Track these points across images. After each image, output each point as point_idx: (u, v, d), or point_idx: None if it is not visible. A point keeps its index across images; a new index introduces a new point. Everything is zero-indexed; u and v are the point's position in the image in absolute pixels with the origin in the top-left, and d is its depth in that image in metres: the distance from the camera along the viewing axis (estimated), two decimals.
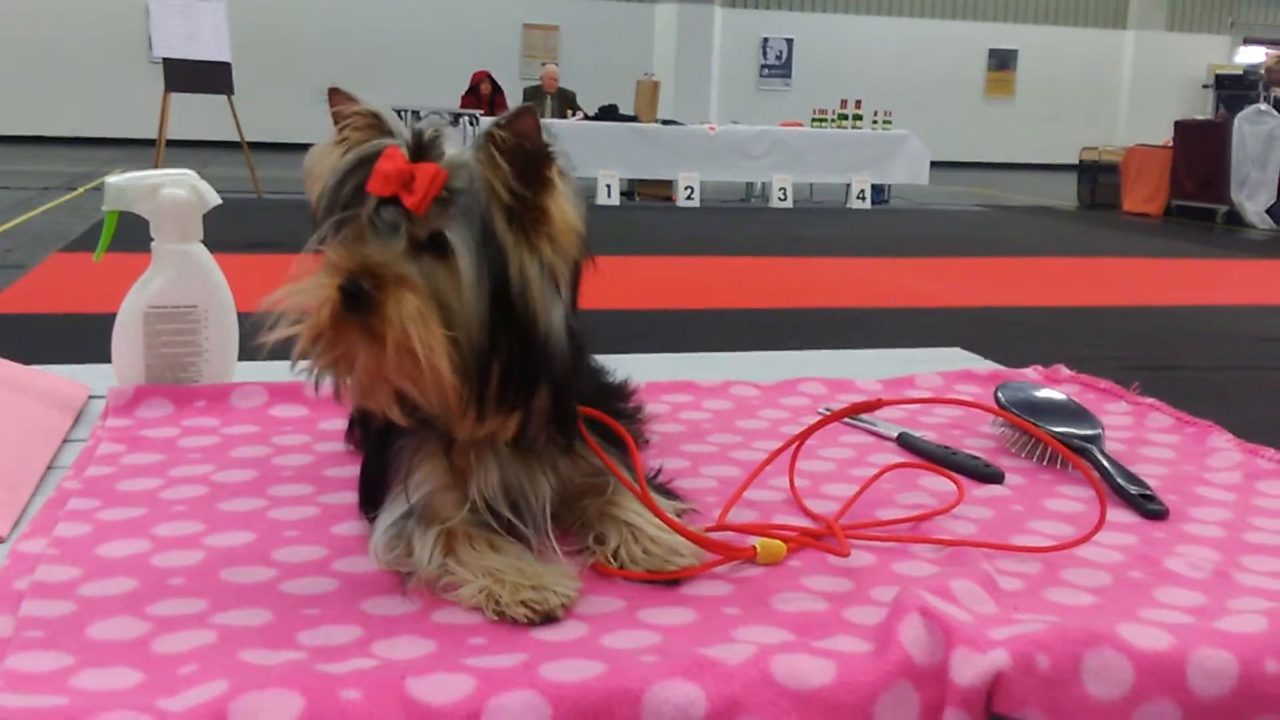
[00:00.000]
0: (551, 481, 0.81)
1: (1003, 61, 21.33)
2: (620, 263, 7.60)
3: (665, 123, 12.72)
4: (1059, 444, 0.89)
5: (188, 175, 1.17)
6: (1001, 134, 21.19)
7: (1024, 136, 21.19)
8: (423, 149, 0.75)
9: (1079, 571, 0.78)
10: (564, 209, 0.75)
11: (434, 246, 0.74)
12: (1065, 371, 1.31)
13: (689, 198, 11.98)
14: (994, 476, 0.96)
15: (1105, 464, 0.94)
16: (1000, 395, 1.07)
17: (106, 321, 1.19)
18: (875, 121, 13.16)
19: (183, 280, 1.16)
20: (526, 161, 0.74)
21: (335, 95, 0.81)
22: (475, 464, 0.79)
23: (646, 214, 11.06)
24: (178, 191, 1.15)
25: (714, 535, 0.81)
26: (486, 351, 0.73)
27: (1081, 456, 0.96)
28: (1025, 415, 1.01)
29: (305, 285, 0.74)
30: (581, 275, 0.78)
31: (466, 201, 0.73)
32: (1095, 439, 0.99)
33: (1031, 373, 1.30)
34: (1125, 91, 21.69)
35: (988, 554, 0.79)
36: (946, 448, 1.02)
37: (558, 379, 0.77)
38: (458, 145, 0.77)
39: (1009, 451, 1.04)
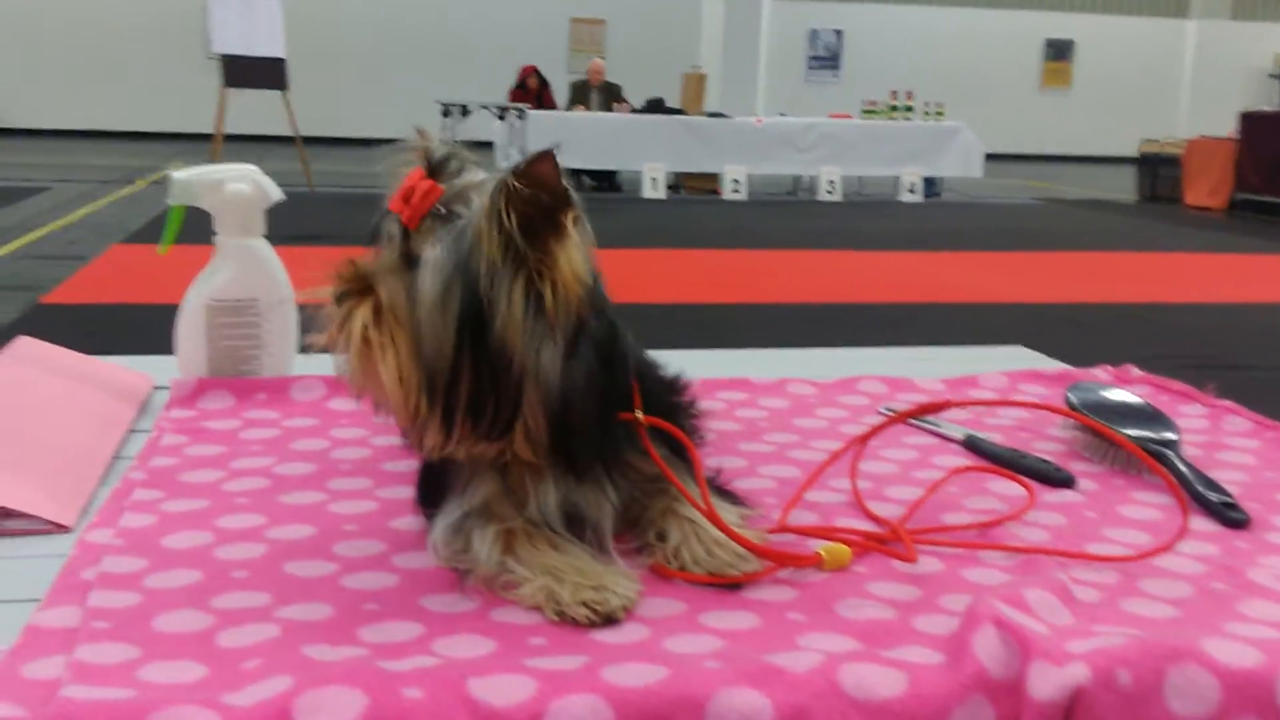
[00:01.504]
0: (612, 499, 0.79)
1: (1059, 51, 21.00)
2: (666, 256, 7.59)
3: (712, 115, 12.66)
4: (1137, 448, 0.86)
5: (251, 171, 1.17)
6: (1058, 126, 20.87)
7: (1081, 128, 20.86)
8: (434, 169, 0.77)
9: (1158, 582, 0.75)
10: (572, 258, 0.73)
11: (419, 263, 0.75)
12: (1136, 372, 1.27)
13: (735, 191, 11.93)
14: (1065, 481, 0.94)
15: (1183, 469, 0.92)
16: (1071, 397, 1.04)
17: (165, 312, 1.20)
18: (927, 113, 13.02)
19: (244, 274, 1.17)
20: (540, 206, 0.72)
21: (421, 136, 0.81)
22: (531, 485, 0.78)
23: (692, 207, 11.03)
24: (241, 187, 1.15)
25: (775, 539, 0.79)
26: (447, 373, 0.73)
27: (1158, 461, 0.94)
28: (1098, 418, 0.99)
29: (323, 290, 0.78)
30: (583, 326, 0.75)
31: (461, 226, 0.74)
32: (1172, 443, 0.96)
33: (1101, 373, 1.27)
34: (1187, 82, 21.28)
35: (1061, 562, 0.77)
36: (1015, 450, 1.00)
37: (554, 411, 0.74)
38: (480, 173, 0.79)
39: (1080, 455, 1.02)
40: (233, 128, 11.39)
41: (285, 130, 10.16)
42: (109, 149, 14.87)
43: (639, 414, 0.79)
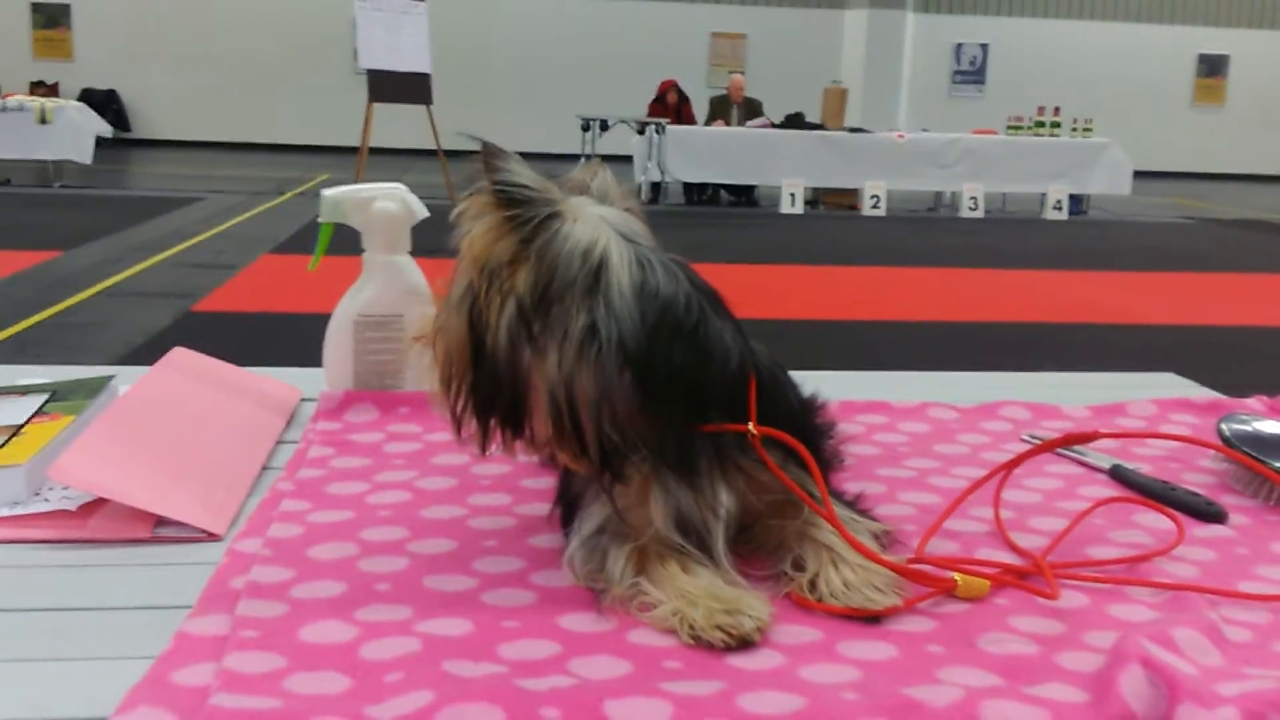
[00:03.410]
0: (726, 503, 0.79)
1: (1213, 67, 20.20)
2: (803, 272, 7.54)
3: (852, 130, 12.54)
4: None
5: (398, 189, 1.21)
6: (1210, 143, 20.06)
7: (1235, 146, 20.00)
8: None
9: None
10: (476, 242, 0.76)
11: None
12: None
13: (875, 207, 11.78)
14: (1217, 516, 0.90)
15: None
16: (1224, 428, 1.00)
17: (310, 321, 1.24)
18: (1074, 129, 12.66)
19: (390, 290, 1.20)
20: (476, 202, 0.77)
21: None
22: (643, 496, 0.79)
23: (830, 223, 10.93)
24: (389, 205, 1.19)
25: (913, 567, 0.78)
26: (461, 371, 0.79)
27: None
28: (1252, 451, 0.94)
29: None
30: (593, 329, 0.75)
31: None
32: None
33: (1255, 403, 1.22)
34: None
35: (1212, 600, 0.74)
36: (1164, 482, 0.96)
37: (556, 415, 0.75)
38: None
39: (1232, 489, 0.97)
40: (379, 141, 11.75)
41: (430, 144, 10.44)
42: (259, 161, 15.50)
43: (751, 425, 0.79)
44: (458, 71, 17.33)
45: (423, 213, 1.21)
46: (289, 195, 11.34)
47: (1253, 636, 0.70)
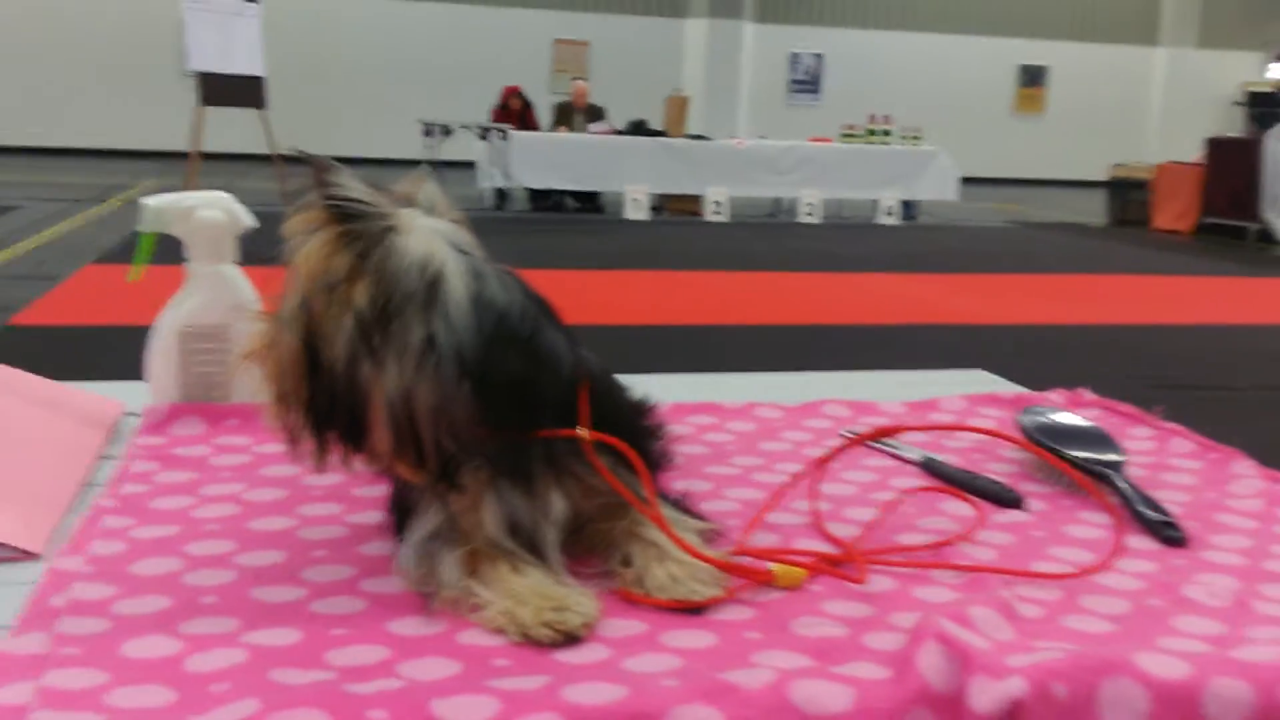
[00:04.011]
0: (562, 510, 0.82)
1: (1033, 78, 21.26)
2: (647, 277, 7.62)
3: (694, 137, 12.76)
4: (1075, 471, 0.89)
5: (222, 197, 1.19)
6: (1031, 150, 21.11)
7: (1054, 153, 21.11)
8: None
9: (1098, 599, 0.78)
10: (311, 258, 0.77)
11: None
12: (1089, 395, 1.31)
13: (717, 212, 12.00)
14: (1015, 502, 0.97)
15: (1126, 490, 0.95)
16: (1023, 420, 1.07)
17: (136, 334, 1.22)
18: (904, 137, 13.16)
19: (216, 300, 1.18)
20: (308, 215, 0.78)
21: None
22: (476, 501, 0.80)
23: (674, 229, 11.07)
24: (213, 213, 1.17)
25: (734, 560, 0.82)
26: (295, 386, 0.79)
27: (1103, 483, 0.97)
28: (1048, 440, 1.02)
29: None
30: (431, 342, 0.76)
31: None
32: (1117, 465, 0.99)
33: (1055, 396, 1.30)
34: (1156, 108, 21.59)
35: (1007, 580, 0.80)
36: (968, 472, 1.02)
37: (398, 427, 0.76)
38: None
39: (1032, 476, 1.05)
40: (212, 146, 11.38)
41: (265, 149, 10.17)
42: (83, 167, 14.81)
43: (580, 430, 0.81)
44: (294, 74, 16.89)
45: (248, 221, 1.20)
46: (114, 202, 10.88)
47: (1043, 612, 0.76)
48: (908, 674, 0.64)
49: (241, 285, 1.20)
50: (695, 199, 12.32)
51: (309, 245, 0.77)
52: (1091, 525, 0.93)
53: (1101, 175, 14.99)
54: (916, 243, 10.61)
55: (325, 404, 0.78)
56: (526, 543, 0.80)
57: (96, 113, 17.22)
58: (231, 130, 12.87)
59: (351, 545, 0.87)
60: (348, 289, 0.75)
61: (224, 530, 0.89)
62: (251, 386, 0.82)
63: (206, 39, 9.93)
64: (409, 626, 0.73)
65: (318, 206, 0.77)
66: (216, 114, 10.23)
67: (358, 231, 0.76)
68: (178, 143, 12.78)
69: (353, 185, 0.77)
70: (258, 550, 0.85)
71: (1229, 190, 11.94)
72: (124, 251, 7.61)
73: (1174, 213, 12.75)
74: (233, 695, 0.63)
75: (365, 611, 0.76)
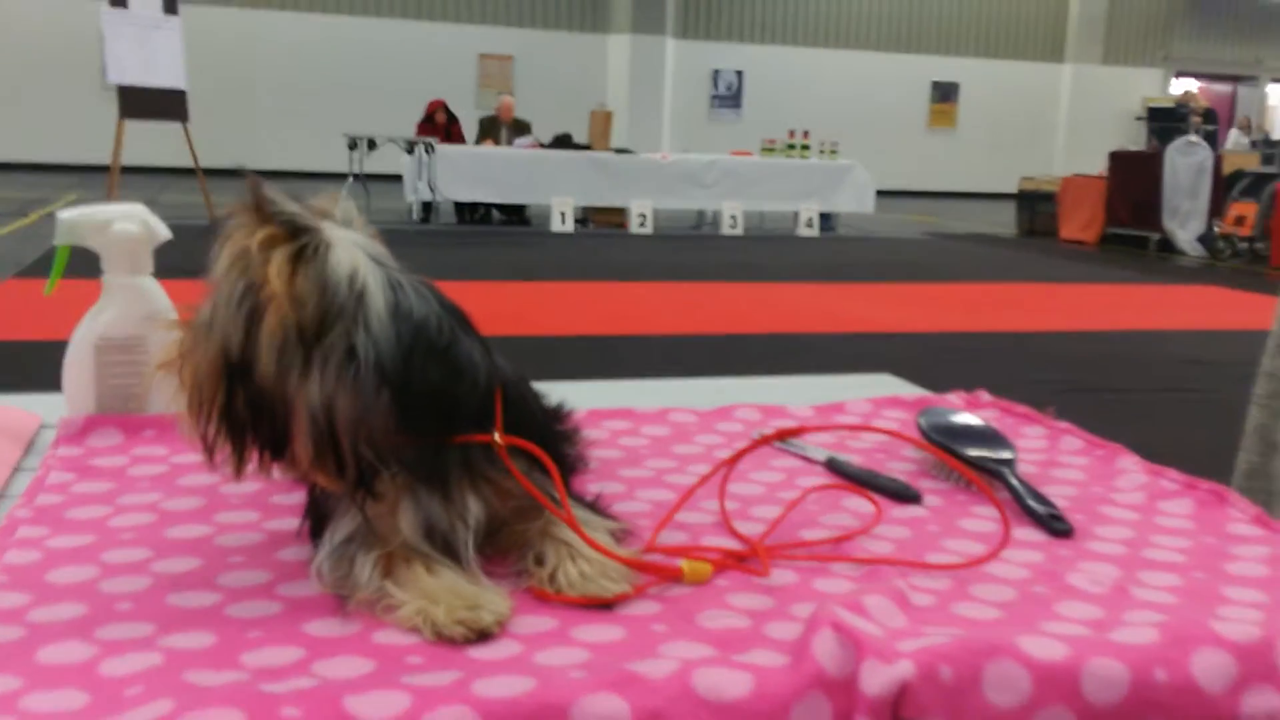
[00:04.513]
0: (475, 512, 0.84)
1: (945, 94, 21.74)
2: (572, 289, 7.65)
3: (618, 151, 12.83)
4: (965, 467, 0.94)
5: (138, 210, 1.19)
6: (944, 164, 21.58)
7: (965, 166, 21.61)
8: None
9: (987, 587, 0.82)
10: (274, 277, 0.77)
11: None
12: (986, 397, 1.36)
13: (642, 225, 12.08)
14: (913, 498, 1.01)
15: (1016, 485, 0.99)
16: (921, 421, 1.12)
17: (57, 349, 1.21)
18: (822, 151, 13.38)
19: (132, 313, 1.19)
20: (256, 235, 0.78)
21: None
22: (393, 506, 0.82)
23: (599, 241, 11.13)
24: (128, 226, 1.17)
25: (645, 557, 0.84)
26: (214, 398, 0.79)
27: (995, 479, 1.02)
28: (944, 440, 1.06)
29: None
30: (351, 351, 0.77)
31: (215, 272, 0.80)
32: (1009, 462, 1.04)
33: (954, 398, 1.36)
34: (1062, 123, 22.21)
35: (902, 571, 0.84)
36: (870, 471, 1.07)
37: (320, 436, 0.77)
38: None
39: (930, 474, 1.09)
40: (133, 160, 11.19)
41: (188, 163, 10.01)
42: (3, 181, 14.43)
43: (496, 435, 0.84)
44: (218, 87, 16.66)
45: (164, 234, 1.20)
46: (34, 217, 10.62)
47: (934, 600, 0.80)
48: (803, 660, 0.67)
49: (158, 297, 1.20)
50: (620, 211, 12.40)
51: (247, 260, 0.77)
52: (983, 519, 0.97)
53: (1011, 188, 15.38)
54: (834, 254, 10.79)
55: (249, 415, 0.79)
56: (442, 545, 0.82)
57: (17, 126, 16.82)
58: (153, 143, 12.66)
59: (268, 551, 0.88)
60: (285, 302, 0.76)
61: (140, 538, 0.90)
62: (167, 397, 0.83)
63: (126, 52, 9.75)
64: (324, 628, 0.75)
65: (255, 220, 0.78)
66: (138, 127, 10.06)
67: (299, 245, 0.77)
68: (100, 156, 12.51)
69: (285, 200, 0.78)
70: (174, 557, 0.86)
71: (1131, 202, 12.34)
72: (44, 266, 7.44)
73: (1080, 223, 13.13)
74: (146, 697, 0.64)
75: (281, 614, 0.77)
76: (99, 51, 10.41)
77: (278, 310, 0.76)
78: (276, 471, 0.81)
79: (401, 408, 0.78)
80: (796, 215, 12.81)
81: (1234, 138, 18.47)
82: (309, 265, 0.77)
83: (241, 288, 0.77)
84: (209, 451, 0.81)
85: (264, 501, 0.99)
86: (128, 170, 10.50)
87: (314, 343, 0.76)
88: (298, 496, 0.96)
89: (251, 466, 0.81)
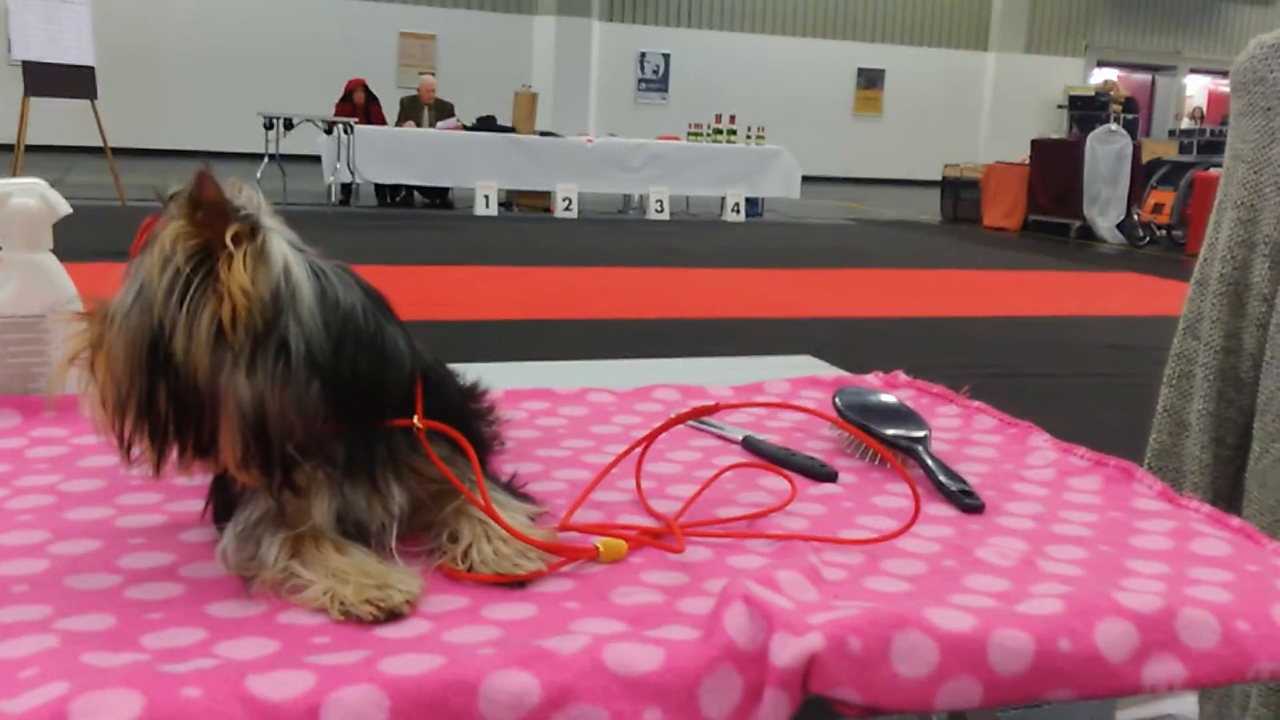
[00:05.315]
0: (394, 507, 0.82)
1: (871, 80, 21.97)
2: (497, 273, 7.60)
3: (543, 134, 12.76)
4: (878, 444, 0.95)
5: (38, 184, 1.15)
6: (870, 150, 21.82)
7: (891, 153, 21.87)
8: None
9: (898, 561, 0.83)
10: (236, 272, 0.74)
11: None
12: (903, 377, 1.38)
13: (567, 209, 12.03)
14: (828, 476, 1.02)
15: (929, 463, 1.01)
16: (837, 400, 1.13)
17: None
18: (749, 136, 13.44)
19: (31, 290, 1.15)
20: (207, 229, 0.75)
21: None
22: (309, 494, 0.80)
23: (524, 225, 11.07)
24: (27, 201, 1.13)
25: (561, 536, 0.84)
26: (135, 393, 0.76)
27: (909, 457, 1.03)
28: (859, 418, 1.07)
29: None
30: (284, 343, 0.76)
31: (139, 264, 0.76)
32: (922, 440, 1.05)
33: (872, 379, 1.37)
34: (986, 111, 22.58)
35: (815, 547, 0.84)
36: (787, 449, 1.07)
37: (248, 430, 0.75)
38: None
39: (845, 453, 1.10)
40: (39, 138, 10.88)
41: (96, 141, 9.75)
42: None
43: (416, 420, 0.82)
44: (127, 64, 16.24)
45: (64, 209, 1.16)
46: None
47: (846, 575, 0.81)
48: (714, 633, 0.67)
49: (58, 275, 1.17)
50: (545, 195, 12.34)
51: (186, 252, 0.74)
52: (897, 496, 0.98)
53: (935, 175, 15.60)
54: (760, 239, 10.85)
55: (175, 411, 0.76)
56: (355, 531, 0.81)
57: None
58: (60, 121, 12.29)
59: (171, 533, 0.86)
60: (246, 298, 0.74)
61: (37, 520, 0.87)
62: (76, 389, 0.79)
63: (33, 27, 9.47)
64: (228, 609, 0.73)
65: (215, 216, 0.74)
66: (44, 105, 9.77)
67: (259, 242, 0.75)
68: (4, 135, 12.13)
69: (220, 191, 0.75)
70: (72, 540, 0.84)
71: (1053, 189, 12.60)
72: None
73: (1002, 210, 13.37)
74: (42, 679, 0.62)
75: (183, 596, 0.75)
76: (3, 27, 10.07)
77: (236, 306, 0.73)
78: (198, 469, 0.79)
79: (331, 398, 0.77)
80: (723, 200, 12.86)
81: (1186, 126, 18.70)
82: (264, 262, 0.75)
83: (181, 280, 0.74)
84: (125, 449, 0.77)
85: (167, 483, 0.96)
86: (33, 149, 10.20)
87: (261, 338, 0.74)
88: (202, 478, 0.93)
89: (170, 464, 0.78)
